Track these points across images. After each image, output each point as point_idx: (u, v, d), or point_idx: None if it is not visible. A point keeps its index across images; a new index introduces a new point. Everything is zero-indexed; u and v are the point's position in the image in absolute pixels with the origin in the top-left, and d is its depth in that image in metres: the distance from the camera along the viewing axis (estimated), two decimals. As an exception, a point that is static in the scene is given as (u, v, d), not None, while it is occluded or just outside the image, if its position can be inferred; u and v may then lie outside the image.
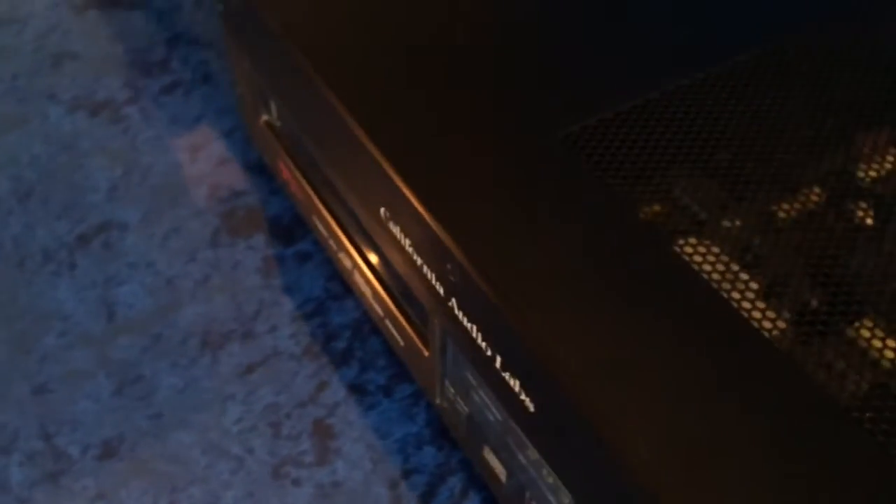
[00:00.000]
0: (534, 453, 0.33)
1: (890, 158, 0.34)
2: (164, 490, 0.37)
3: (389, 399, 0.43)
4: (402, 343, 0.41)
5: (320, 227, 0.46)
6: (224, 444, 0.39)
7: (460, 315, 0.32)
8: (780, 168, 0.33)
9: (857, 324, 0.28)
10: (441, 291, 0.33)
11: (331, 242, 0.45)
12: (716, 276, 0.29)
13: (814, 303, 0.29)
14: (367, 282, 0.42)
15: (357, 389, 0.43)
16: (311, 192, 0.45)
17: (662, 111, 0.35)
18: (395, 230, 0.35)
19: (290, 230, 0.50)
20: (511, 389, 0.31)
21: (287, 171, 0.48)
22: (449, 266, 0.31)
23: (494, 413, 0.35)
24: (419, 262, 0.34)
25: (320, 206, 0.44)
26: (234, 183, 0.52)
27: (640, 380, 0.27)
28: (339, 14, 0.40)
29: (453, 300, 0.32)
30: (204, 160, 0.53)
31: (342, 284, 0.47)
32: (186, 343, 0.44)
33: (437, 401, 0.40)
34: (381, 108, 0.35)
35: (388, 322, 0.42)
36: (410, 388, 0.43)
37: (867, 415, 0.26)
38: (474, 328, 0.32)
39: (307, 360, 0.44)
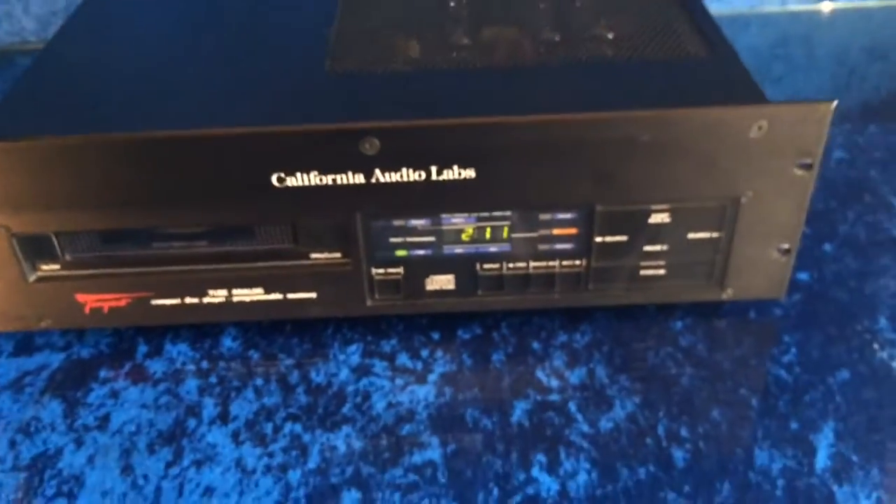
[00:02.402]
0: (470, 230, 0.49)
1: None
2: None
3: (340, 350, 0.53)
4: (315, 295, 0.52)
5: (165, 301, 0.51)
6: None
7: (387, 176, 0.47)
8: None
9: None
10: (362, 179, 0.47)
11: (187, 300, 0.51)
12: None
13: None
14: (254, 282, 0.51)
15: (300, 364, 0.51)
16: (145, 276, 0.50)
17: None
18: (296, 180, 0.47)
19: (118, 349, 0.53)
20: (447, 182, 0.47)
21: (95, 296, 0.51)
22: (367, 145, 0.46)
23: (425, 240, 0.50)
24: (329, 180, 0.47)
25: (164, 279, 0.50)
26: (18, 370, 0.52)
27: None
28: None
29: (376, 171, 0.47)
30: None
31: (210, 335, 0.54)
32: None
33: (368, 303, 0.52)
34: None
35: (290, 294, 0.51)
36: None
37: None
38: (403, 171, 0.47)
39: (267, 389, 0.50)
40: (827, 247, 0.58)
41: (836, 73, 0.83)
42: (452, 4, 0.60)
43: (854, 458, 0.44)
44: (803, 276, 0.55)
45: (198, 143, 0.46)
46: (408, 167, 0.47)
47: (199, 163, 0.46)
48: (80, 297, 0.51)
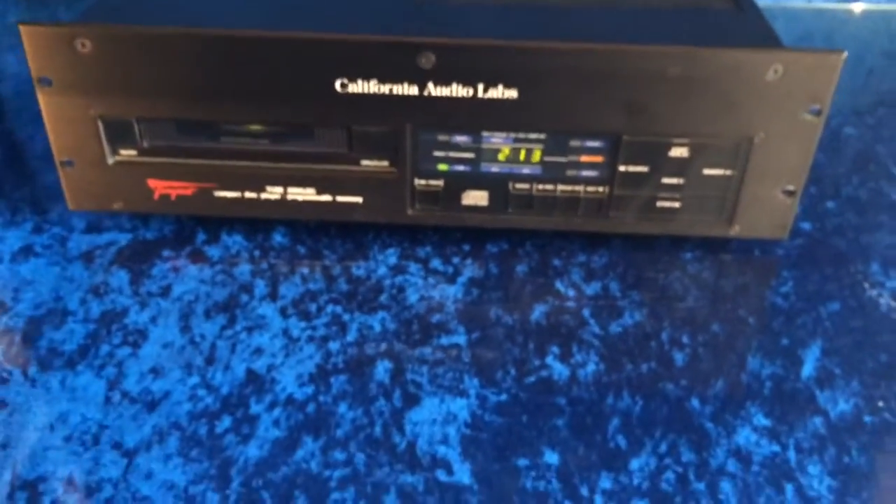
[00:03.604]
0: (506, 151, 0.55)
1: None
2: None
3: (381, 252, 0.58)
4: (361, 200, 0.57)
5: (226, 193, 0.57)
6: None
7: (438, 90, 0.52)
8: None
9: None
10: (416, 91, 0.52)
11: (246, 195, 0.57)
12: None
13: None
14: (308, 182, 0.56)
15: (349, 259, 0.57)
16: (212, 168, 0.56)
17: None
18: (357, 87, 0.52)
19: (180, 235, 0.58)
20: (492, 101, 0.52)
21: (165, 183, 0.57)
22: (424, 59, 0.51)
23: (466, 156, 0.55)
24: (386, 90, 0.52)
25: (228, 172, 0.56)
26: (89, 245, 0.57)
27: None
28: None
29: (429, 84, 0.52)
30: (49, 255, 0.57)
31: (262, 231, 0.59)
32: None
33: (409, 212, 0.58)
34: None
35: (339, 197, 0.57)
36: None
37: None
38: (453, 86, 0.52)
39: (312, 277, 0.56)
40: (830, 204, 0.63)
41: (854, 71, 0.88)
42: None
43: (837, 370, 0.49)
44: (806, 225, 0.60)
45: (274, 44, 0.51)
46: (458, 83, 0.52)
47: (273, 63, 0.52)
48: (152, 183, 0.57)
